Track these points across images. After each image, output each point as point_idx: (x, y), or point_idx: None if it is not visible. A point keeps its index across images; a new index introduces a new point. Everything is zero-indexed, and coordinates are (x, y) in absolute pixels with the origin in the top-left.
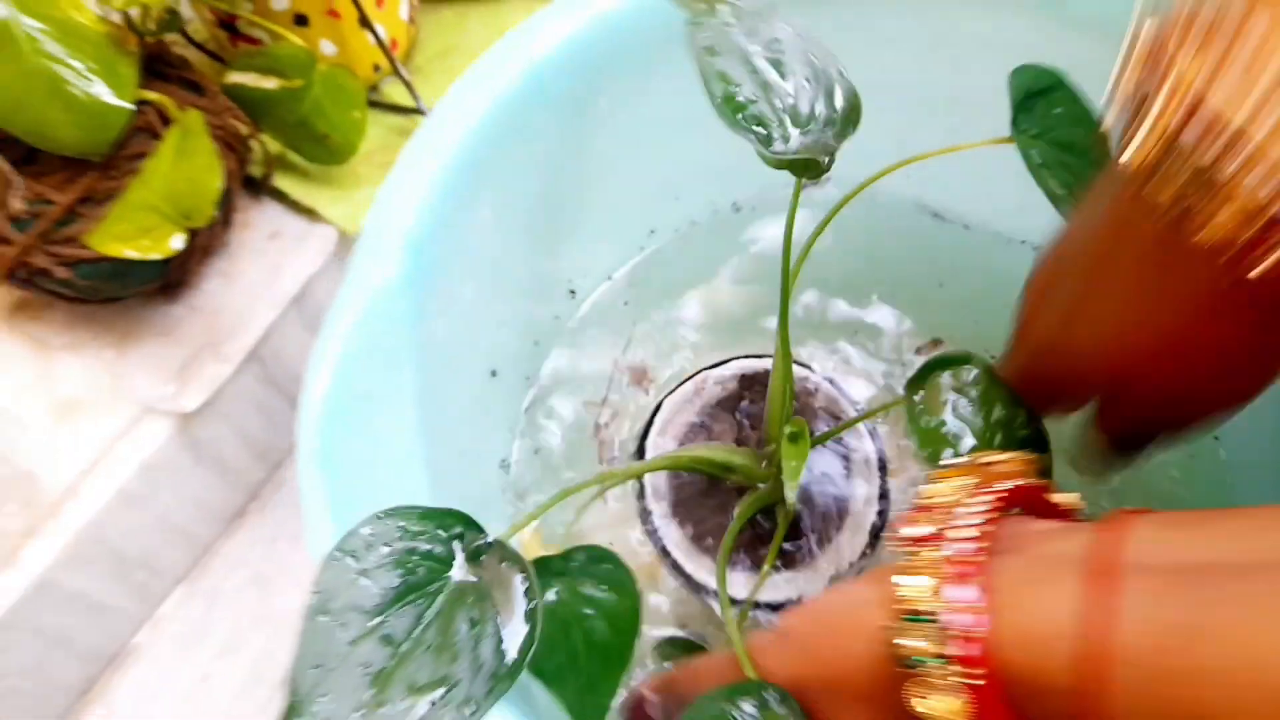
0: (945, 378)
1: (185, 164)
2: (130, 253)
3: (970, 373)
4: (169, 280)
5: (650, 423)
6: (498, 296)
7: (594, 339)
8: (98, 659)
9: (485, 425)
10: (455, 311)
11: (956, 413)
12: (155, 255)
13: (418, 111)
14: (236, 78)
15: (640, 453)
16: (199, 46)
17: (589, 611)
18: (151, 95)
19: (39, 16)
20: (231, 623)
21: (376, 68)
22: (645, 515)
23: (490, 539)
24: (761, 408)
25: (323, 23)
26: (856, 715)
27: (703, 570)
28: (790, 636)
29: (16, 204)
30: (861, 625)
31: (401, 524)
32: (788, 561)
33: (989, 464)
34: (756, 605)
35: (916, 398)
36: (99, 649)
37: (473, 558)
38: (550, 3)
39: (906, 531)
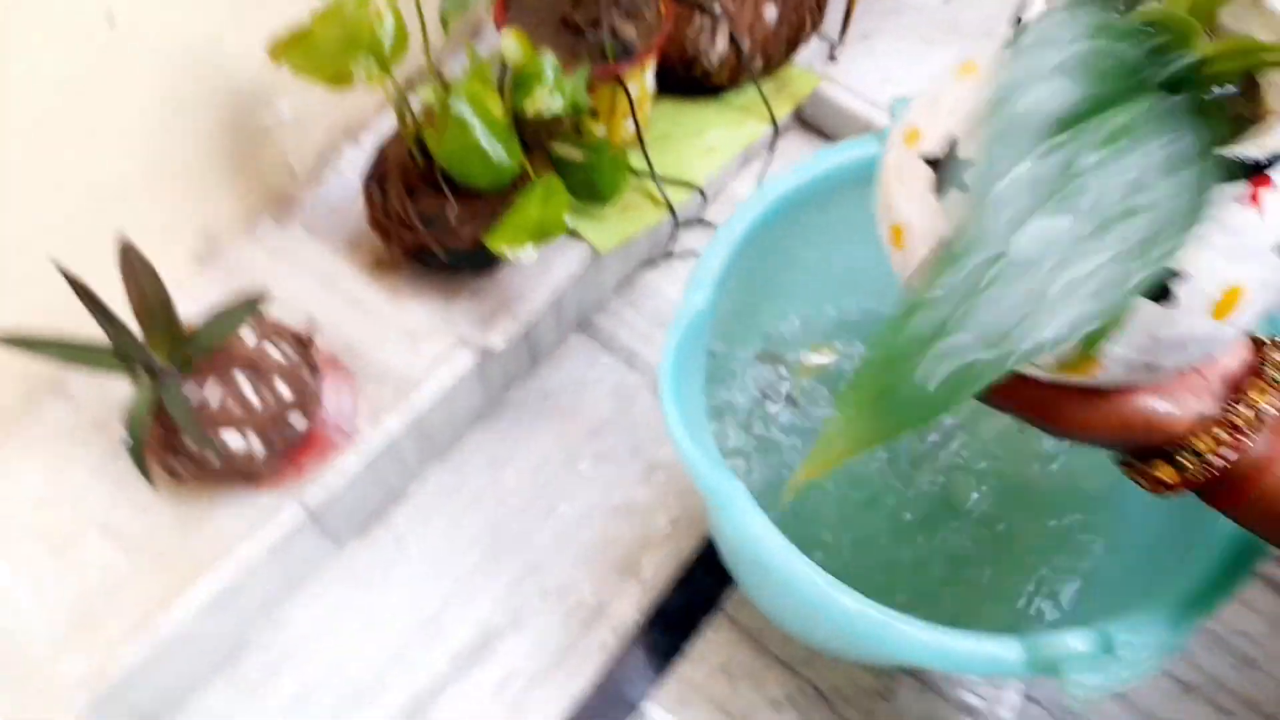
0: None
1: (548, 206)
2: (507, 250)
3: None
4: (484, 266)
5: None
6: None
7: None
8: (391, 496)
9: None
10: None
11: None
12: (520, 256)
13: (650, 175)
14: (559, 149)
15: None
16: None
17: None
18: (522, 159)
19: (477, 111)
20: (472, 489)
21: (624, 142)
22: None
23: (1193, 58)
24: None
25: (604, 115)
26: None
27: None
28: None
29: (450, 217)
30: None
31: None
32: None
33: None
34: None
35: None
36: (394, 490)
37: (1173, 84)
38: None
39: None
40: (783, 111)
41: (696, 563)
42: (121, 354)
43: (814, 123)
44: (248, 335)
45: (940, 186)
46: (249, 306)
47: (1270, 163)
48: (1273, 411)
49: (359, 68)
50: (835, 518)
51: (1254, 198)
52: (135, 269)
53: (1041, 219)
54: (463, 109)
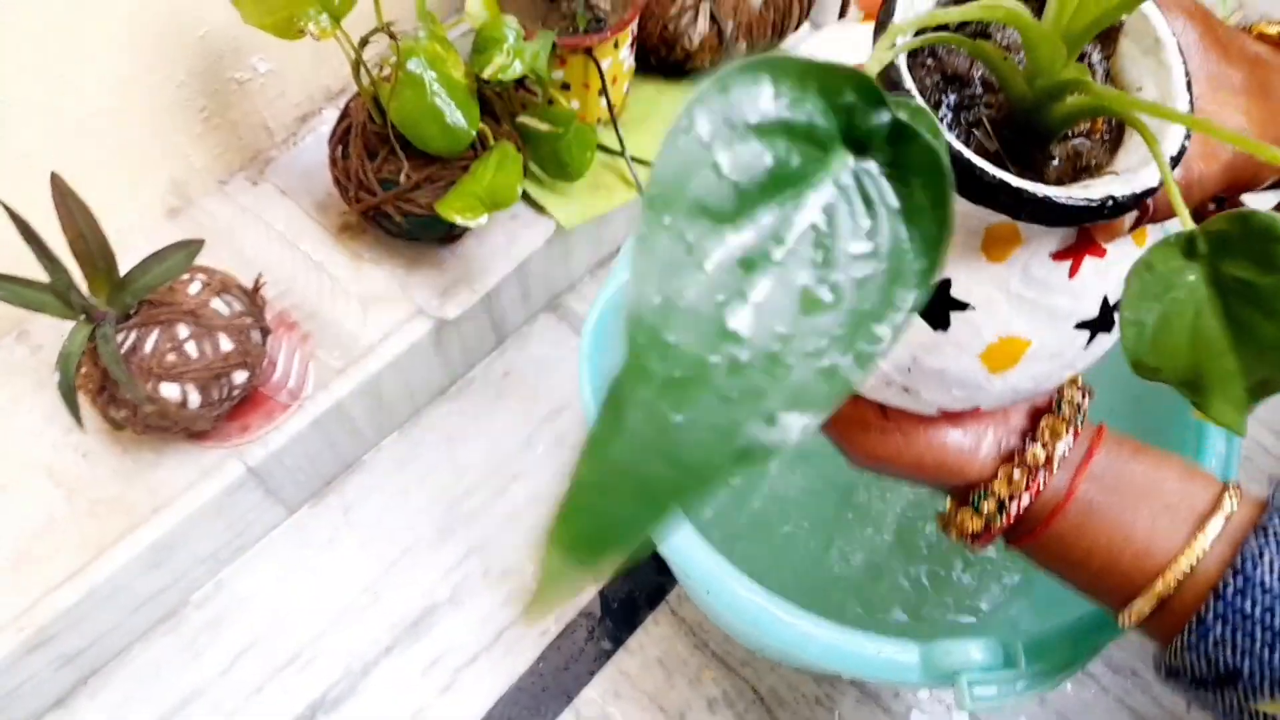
0: None
1: (500, 174)
2: (458, 218)
3: None
4: (448, 235)
5: None
6: None
7: None
8: (343, 464)
9: None
10: None
11: None
12: (472, 223)
13: (621, 154)
14: (524, 119)
15: None
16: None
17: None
18: (482, 127)
19: (437, 73)
20: (426, 463)
21: (599, 120)
22: None
23: (897, 116)
24: None
25: (577, 90)
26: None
27: None
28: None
29: (401, 177)
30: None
31: (769, 80)
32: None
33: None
34: None
35: None
36: (346, 458)
37: (862, 145)
38: None
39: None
40: None
41: None
42: (59, 293)
43: None
44: (194, 286)
45: None
46: (187, 254)
47: (1069, 209)
48: (1065, 453)
49: (308, 20)
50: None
51: (1075, 259)
52: (70, 207)
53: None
54: (420, 69)
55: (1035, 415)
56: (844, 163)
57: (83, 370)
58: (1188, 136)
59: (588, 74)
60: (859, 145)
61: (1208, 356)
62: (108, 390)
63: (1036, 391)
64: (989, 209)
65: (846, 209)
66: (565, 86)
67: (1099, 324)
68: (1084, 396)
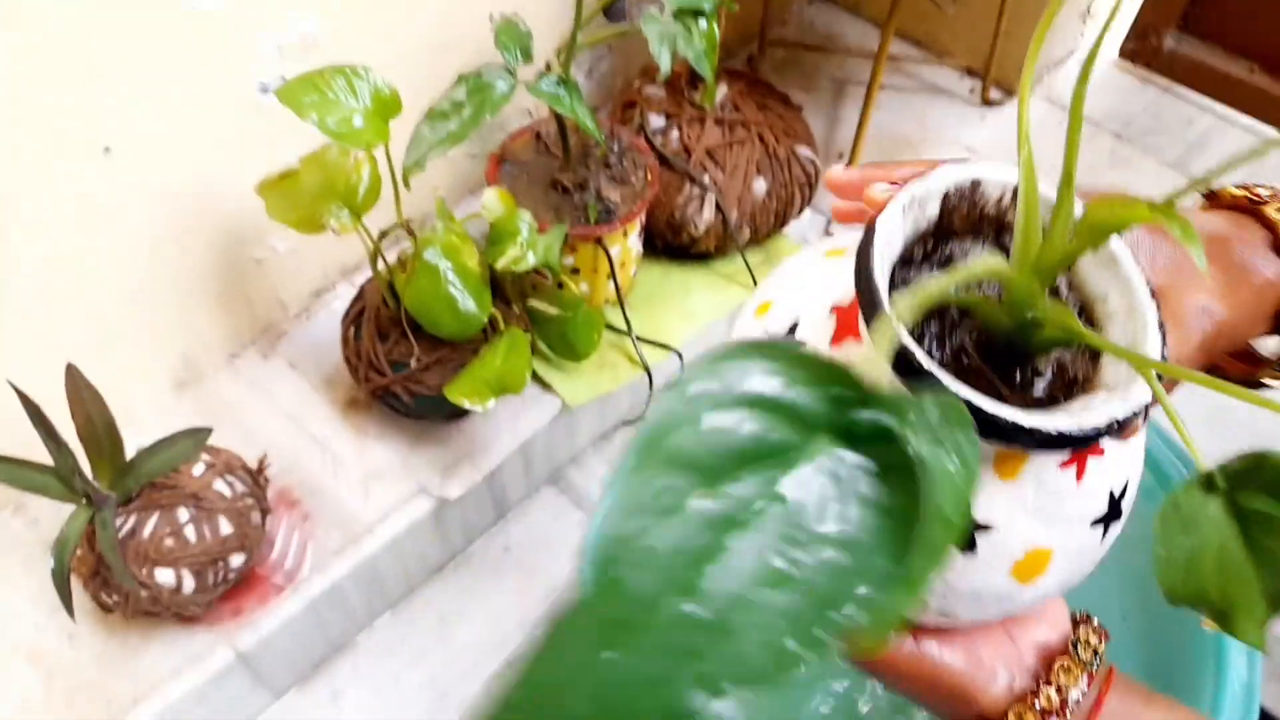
0: None
1: (509, 359)
2: (465, 403)
3: None
4: (453, 412)
5: None
6: None
7: None
8: (334, 646)
9: None
10: None
11: None
12: (479, 408)
13: (628, 334)
14: (534, 303)
15: None
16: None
17: None
18: (493, 311)
19: (452, 261)
20: (419, 644)
21: (607, 301)
22: None
23: (880, 420)
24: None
25: (586, 274)
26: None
27: None
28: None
29: (413, 360)
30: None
31: (764, 361)
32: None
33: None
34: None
35: None
36: (337, 639)
37: (848, 437)
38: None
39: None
40: None
41: None
42: (62, 477)
43: None
44: (198, 468)
45: None
46: (194, 441)
47: (1080, 438)
48: (1079, 698)
49: (331, 215)
50: None
51: (1079, 464)
52: (81, 393)
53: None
54: (436, 258)
55: (1049, 656)
56: (825, 449)
57: (78, 553)
58: (1165, 343)
59: (597, 260)
60: (845, 434)
61: (1234, 583)
62: (101, 575)
63: (1064, 591)
64: (998, 443)
65: (821, 492)
66: (575, 270)
67: (1110, 517)
68: (1099, 639)
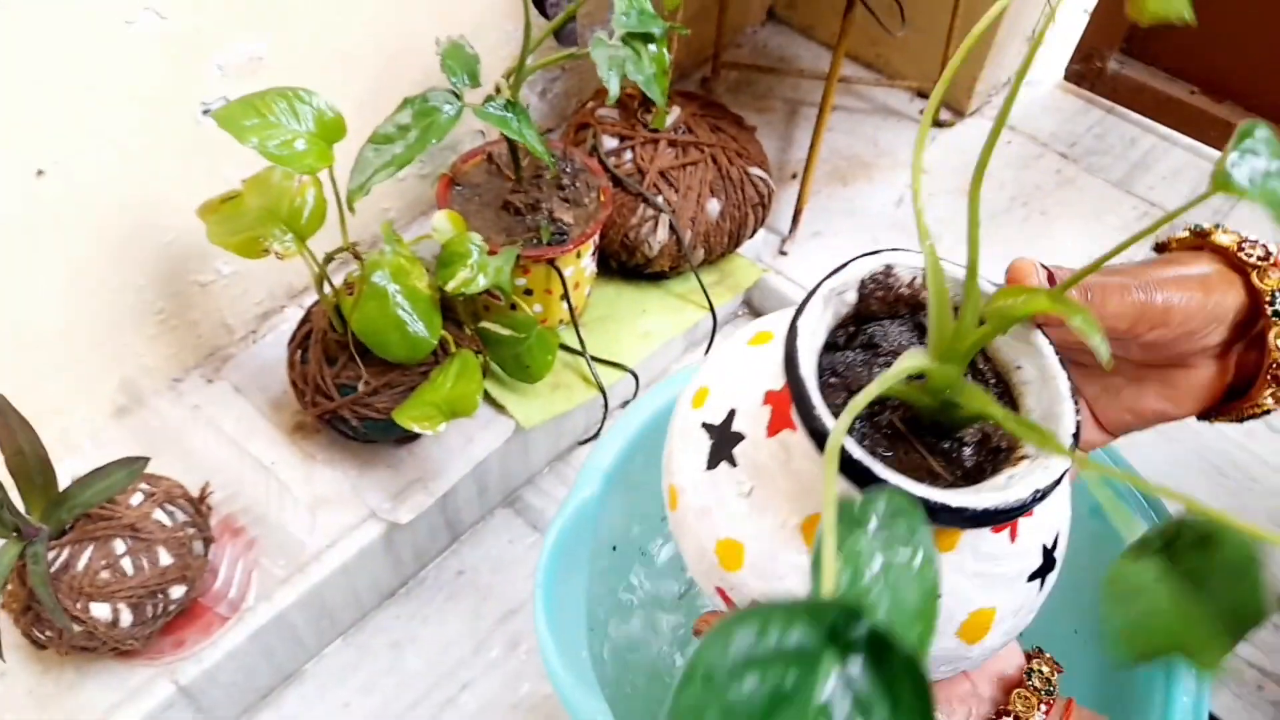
0: None
1: (460, 383)
2: (415, 427)
3: None
4: (403, 436)
5: None
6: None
7: None
8: (282, 676)
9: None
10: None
11: None
12: (430, 432)
13: (582, 354)
14: (487, 324)
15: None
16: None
17: None
18: (444, 333)
19: (400, 284)
20: (370, 671)
21: (561, 322)
22: None
23: (865, 630)
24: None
25: (539, 295)
26: None
27: None
28: None
29: (360, 384)
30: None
31: (761, 622)
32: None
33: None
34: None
35: None
36: (285, 669)
37: (849, 646)
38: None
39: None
40: (723, 300)
41: None
42: None
43: (763, 311)
44: (136, 497)
45: (712, 457)
46: (129, 472)
47: (1008, 511)
48: None
49: (274, 239)
50: None
51: (1011, 527)
52: (10, 423)
53: None
54: (385, 281)
55: (1006, 687)
56: (832, 669)
57: (8, 588)
58: (1077, 410)
59: (550, 281)
60: (846, 647)
61: (1189, 632)
62: (33, 610)
63: (1008, 643)
64: (937, 524)
65: (843, 709)
66: (528, 292)
67: (1044, 569)
68: (1052, 671)
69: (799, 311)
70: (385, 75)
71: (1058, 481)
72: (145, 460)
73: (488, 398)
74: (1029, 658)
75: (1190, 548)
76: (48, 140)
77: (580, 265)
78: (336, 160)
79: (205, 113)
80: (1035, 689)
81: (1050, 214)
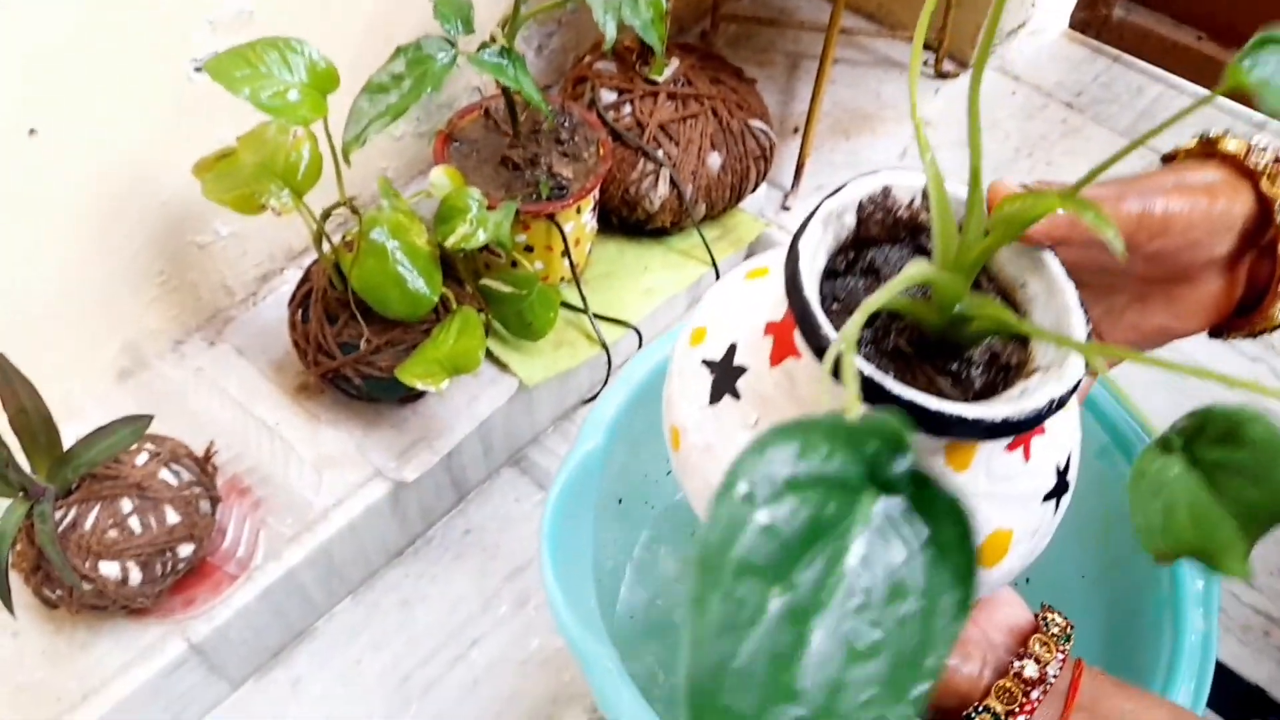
0: None
1: (462, 339)
2: (418, 384)
3: None
4: (407, 395)
5: None
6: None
7: None
8: (292, 634)
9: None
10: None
11: None
12: (433, 389)
13: (584, 311)
14: (488, 281)
15: None
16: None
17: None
18: (445, 290)
19: (399, 241)
20: (380, 629)
21: (563, 279)
22: None
23: (910, 462)
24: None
25: (540, 252)
26: None
27: None
28: None
29: (362, 342)
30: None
31: (800, 440)
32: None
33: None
34: None
35: None
36: (296, 627)
37: (888, 486)
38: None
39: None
40: (726, 256)
41: None
42: None
43: None
44: (142, 457)
45: (714, 392)
46: (133, 430)
47: (1023, 422)
48: (1058, 672)
49: (270, 195)
50: None
51: (1025, 445)
52: (12, 382)
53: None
54: (383, 238)
55: (1020, 636)
56: (874, 504)
57: (17, 548)
58: (1087, 321)
59: (551, 237)
60: (884, 486)
61: (1210, 529)
62: (43, 569)
63: (1026, 568)
64: (949, 438)
65: (882, 548)
66: (529, 248)
67: (1058, 490)
68: (1066, 624)
69: (799, 233)
70: (377, 26)
71: (1073, 390)
72: (149, 418)
73: (490, 357)
74: (1039, 614)
75: (1215, 441)
76: (39, 99)
77: (581, 221)
78: (331, 114)
79: (197, 69)
80: (1054, 636)
81: (1056, 164)
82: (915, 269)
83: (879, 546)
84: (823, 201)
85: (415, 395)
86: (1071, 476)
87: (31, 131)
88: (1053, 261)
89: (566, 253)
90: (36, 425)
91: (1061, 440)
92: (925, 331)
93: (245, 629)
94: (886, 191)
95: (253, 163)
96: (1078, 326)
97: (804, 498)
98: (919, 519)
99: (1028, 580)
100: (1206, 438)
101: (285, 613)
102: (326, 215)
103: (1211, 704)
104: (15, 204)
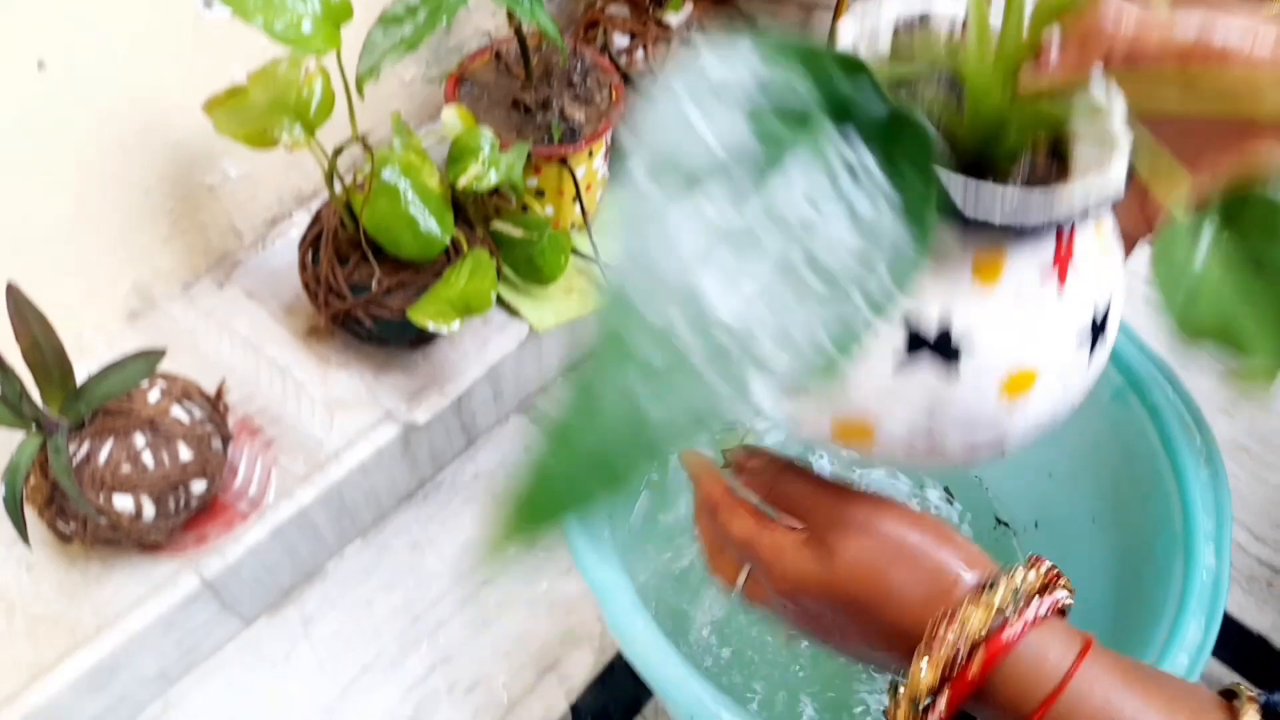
0: None
1: (474, 280)
2: (430, 325)
3: None
4: (418, 338)
5: None
6: None
7: None
8: (304, 573)
9: None
10: None
11: None
12: (445, 330)
13: (594, 259)
14: (498, 225)
15: None
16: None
17: None
18: (456, 233)
19: (411, 180)
20: (391, 570)
21: (574, 225)
22: None
23: (882, 110)
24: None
25: (551, 196)
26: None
27: None
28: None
29: (373, 283)
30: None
31: (751, 45)
32: None
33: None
34: None
35: None
36: (307, 566)
37: (840, 114)
38: None
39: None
40: None
41: (619, 662)
42: (9, 403)
43: None
44: (154, 394)
45: None
46: (146, 363)
47: (1063, 220)
48: (1065, 596)
49: (283, 130)
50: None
51: (1059, 271)
52: (25, 315)
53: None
54: (395, 177)
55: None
56: (827, 130)
57: (31, 482)
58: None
59: (562, 181)
60: (839, 112)
61: (1240, 312)
62: (56, 503)
63: (1053, 422)
64: (983, 239)
65: (833, 176)
66: (540, 193)
67: (1094, 333)
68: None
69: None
70: None
71: (1117, 192)
72: (161, 352)
73: (501, 302)
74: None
75: (1256, 226)
76: (47, 31)
77: (593, 166)
78: (343, 46)
79: (206, 4)
80: (1059, 572)
81: None
82: (949, 48)
83: (831, 172)
84: (858, 9)
85: (426, 338)
86: (1111, 325)
87: (40, 64)
88: (1098, 77)
89: (578, 197)
90: (50, 359)
91: (1100, 279)
92: (958, 148)
93: (257, 566)
94: (924, 19)
95: (265, 99)
96: (1122, 136)
97: (752, 111)
98: (874, 146)
99: (1036, 524)
100: (1247, 222)
101: (297, 551)
102: (339, 152)
103: (1215, 652)
104: (26, 139)
